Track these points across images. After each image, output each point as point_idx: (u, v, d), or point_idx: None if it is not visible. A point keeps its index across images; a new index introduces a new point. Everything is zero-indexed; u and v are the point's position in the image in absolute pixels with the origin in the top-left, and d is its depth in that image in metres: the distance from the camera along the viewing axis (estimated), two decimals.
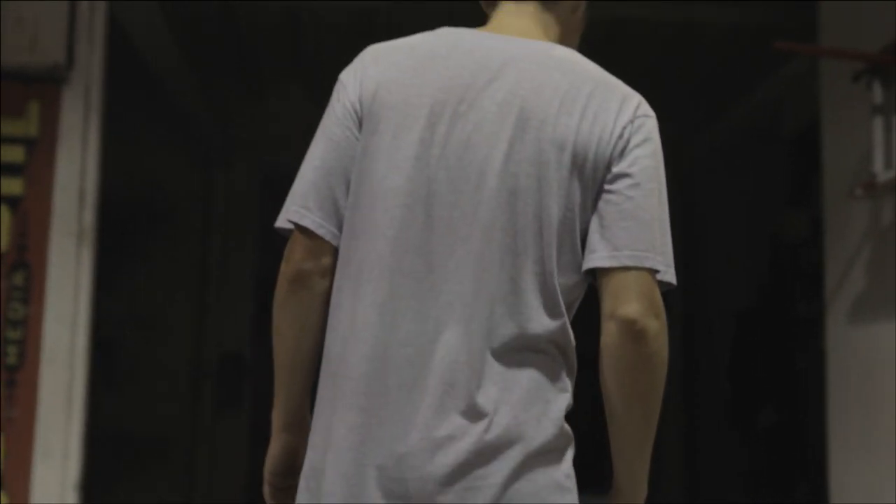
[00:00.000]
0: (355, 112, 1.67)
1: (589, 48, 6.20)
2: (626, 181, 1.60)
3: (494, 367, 1.51)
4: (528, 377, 1.54)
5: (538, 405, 1.53)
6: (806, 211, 7.04)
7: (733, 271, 8.48)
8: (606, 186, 1.59)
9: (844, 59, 4.06)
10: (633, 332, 1.53)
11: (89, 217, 4.17)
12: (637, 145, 1.64)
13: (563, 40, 1.81)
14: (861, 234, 4.45)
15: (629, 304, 1.54)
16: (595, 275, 1.61)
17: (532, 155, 1.56)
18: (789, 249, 7.47)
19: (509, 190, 1.56)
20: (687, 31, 7.36)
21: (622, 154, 1.62)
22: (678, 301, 9.02)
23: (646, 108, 1.70)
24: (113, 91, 7.59)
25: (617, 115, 1.64)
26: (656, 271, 1.60)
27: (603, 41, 7.50)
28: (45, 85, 4.06)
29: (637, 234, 1.58)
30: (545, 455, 1.51)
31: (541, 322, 1.54)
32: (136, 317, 8.35)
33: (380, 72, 1.67)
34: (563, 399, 1.58)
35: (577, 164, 1.58)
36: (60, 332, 4.03)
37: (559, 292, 1.57)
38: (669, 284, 1.63)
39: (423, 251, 1.54)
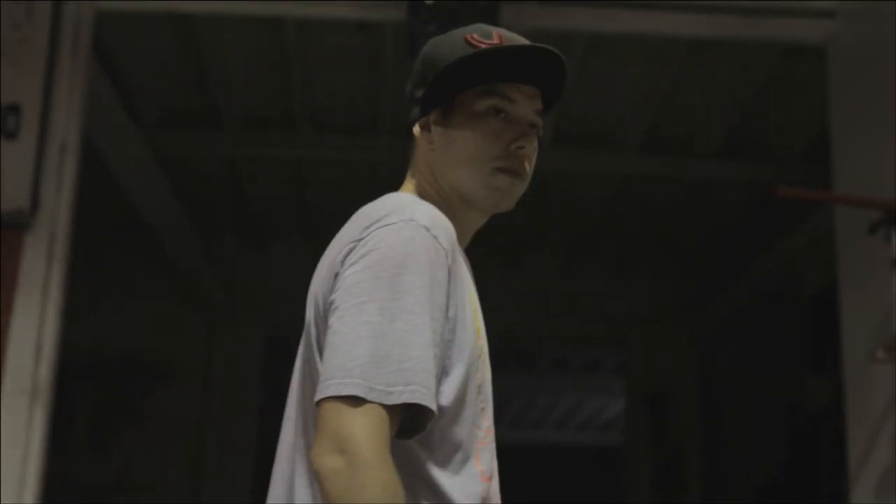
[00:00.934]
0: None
1: (603, 205, 5.87)
2: (332, 314, 1.41)
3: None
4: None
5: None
6: (828, 377, 6.68)
7: (754, 443, 8.09)
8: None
9: (856, 205, 3.77)
10: (316, 476, 1.34)
11: (45, 373, 3.86)
12: (350, 265, 1.43)
13: (416, 164, 1.64)
14: (885, 401, 4.13)
15: (313, 446, 1.36)
16: None
17: (308, 319, 1.52)
18: (811, 419, 7.10)
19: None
20: (700, 191, 7.20)
21: (335, 282, 1.44)
22: (696, 476, 8.62)
23: (391, 219, 1.45)
24: (110, 246, 7.52)
25: (345, 244, 1.46)
26: (347, 396, 1.35)
27: (611, 199, 7.36)
28: (7, 230, 3.83)
29: (327, 364, 1.39)
30: None
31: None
32: (130, 480, 8.01)
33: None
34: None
35: (308, 325, 1.51)
36: (8, 498, 3.68)
37: None
38: (421, 407, 1.37)
39: None
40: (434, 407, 1.38)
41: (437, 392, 1.41)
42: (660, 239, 8.08)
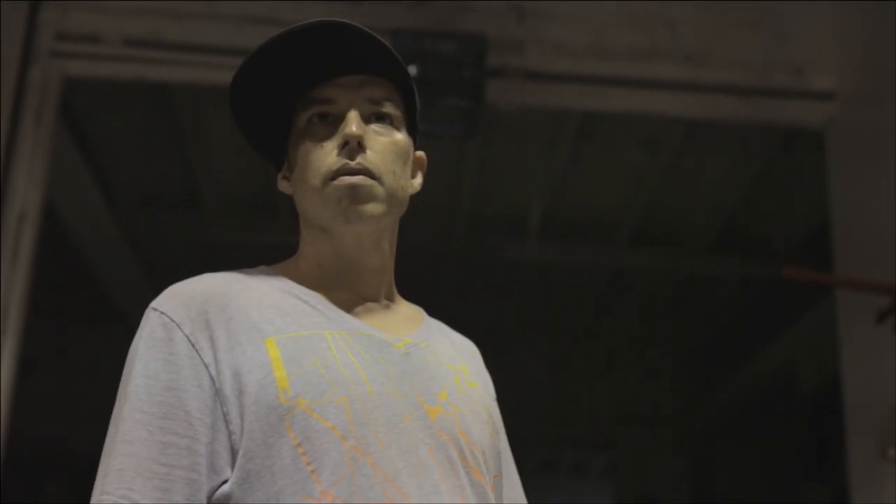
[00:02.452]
0: None
1: (592, 300, 5.64)
2: None
3: None
4: None
5: None
6: (828, 481, 6.43)
7: None
8: None
9: (865, 290, 3.56)
10: None
11: None
12: None
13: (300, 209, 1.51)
14: None
15: None
16: None
17: None
18: None
19: None
20: (693, 285, 7.03)
21: None
22: None
23: None
24: (78, 333, 7.25)
25: None
26: None
27: (606, 293, 7.17)
28: None
29: None
30: None
31: None
32: None
33: None
34: None
35: None
36: None
37: None
38: None
39: None
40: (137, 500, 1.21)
41: (211, 477, 1.23)
42: (651, 335, 7.88)
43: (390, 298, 1.51)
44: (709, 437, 8.63)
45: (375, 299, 1.46)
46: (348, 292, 1.43)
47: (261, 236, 6.45)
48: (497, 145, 5.32)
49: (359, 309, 1.42)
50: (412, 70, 3.82)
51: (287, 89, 1.41)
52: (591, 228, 6.42)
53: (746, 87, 4.33)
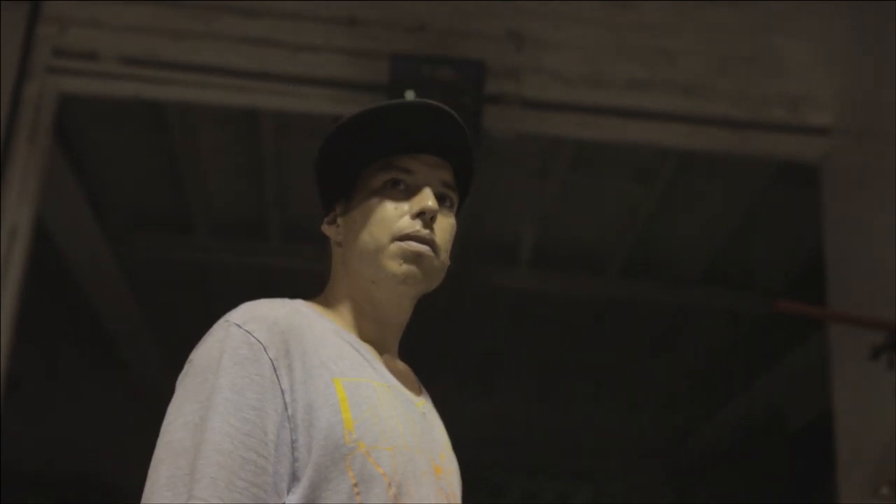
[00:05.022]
0: None
1: (581, 331, 5.62)
2: None
3: None
4: None
5: None
6: None
7: None
8: None
9: (859, 325, 3.54)
10: None
11: None
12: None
13: (333, 266, 1.58)
14: None
15: None
16: None
17: None
18: None
19: None
20: (683, 318, 7.01)
21: None
22: None
23: (193, 352, 1.40)
24: (65, 352, 7.19)
25: None
26: None
27: (595, 325, 7.15)
28: None
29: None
30: None
31: None
32: None
33: None
34: None
35: None
36: None
37: None
38: None
39: None
40: None
41: (273, 498, 1.28)
42: (639, 368, 7.85)
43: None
44: (694, 473, 8.59)
45: (393, 353, 1.56)
46: (378, 343, 1.52)
47: (251, 258, 6.43)
48: (490, 173, 5.32)
49: (387, 361, 1.52)
50: (409, 95, 3.82)
51: (369, 150, 1.51)
52: (581, 258, 6.41)
53: (742, 121, 4.34)
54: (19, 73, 3.93)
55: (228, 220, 6.09)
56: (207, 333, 1.39)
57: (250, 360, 1.32)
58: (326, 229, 1.56)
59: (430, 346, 7.48)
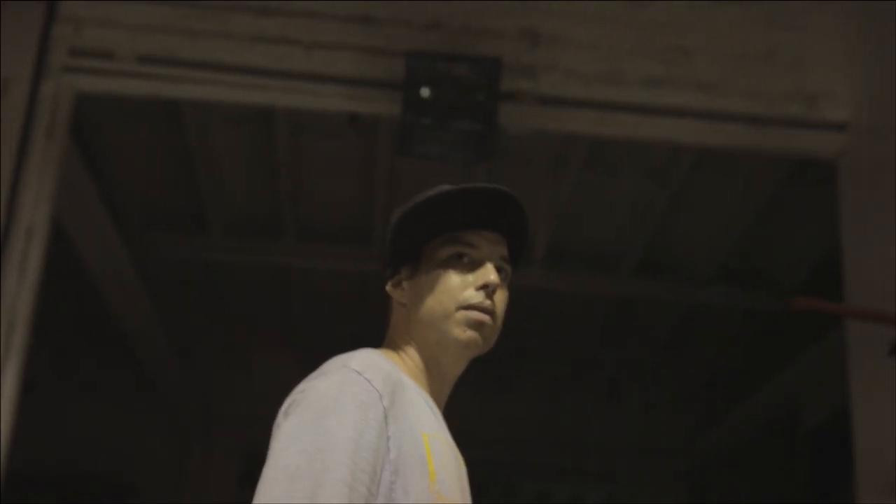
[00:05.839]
0: None
1: (595, 330, 5.59)
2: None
3: None
4: None
5: None
6: None
7: None
8: None
9: (878, 322, 3.53)
10: None
11: None
12: (285, 417, 1.47)
13: (393, 323, 1.71)
14: None
15: None
16: None
17: None
18: None
19: None
20: (697, 317, 6.99)
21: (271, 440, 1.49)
22: None
23: (316, 373, 1.52)
24: (79, 351, 7.20)
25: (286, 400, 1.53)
26: None
27: (610, 323, 7.14)
28: None
29: None
30: None
31: None
32: None
33: None
34: None
35: None
36: None
37: None
38: None
39: None
40: None
41: None
42: (653, 366, 7.83)
43: None
44: (709, 471, 8.56)
45: (442, 408, 1.69)
46: (437, 397, 1.66)
47: (265, 257, 6.43)
48: (504, 171, 5.31)
49: (441, 417, 1.65)
50: (425, 93, 3.82)
51: (437, 224, 1.67)
52: (596, 257, 6.40)
53: (758, 117, 4.32)
54: (36, 73, 3.94)
55: (243, 218, 6.10)
56: (322, 373, 1.50)
57: (369, 406, 1.44)
58: (392, 290, 1.69)
59: None
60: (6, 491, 3.84)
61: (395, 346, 1.67)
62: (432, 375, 1.65)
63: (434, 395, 1.65)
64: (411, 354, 1.66)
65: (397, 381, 1.51)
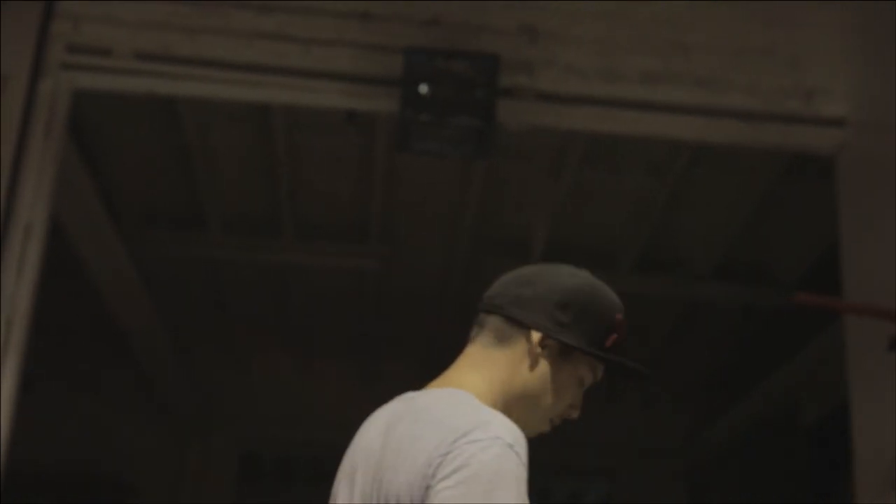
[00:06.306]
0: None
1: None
2: None
3: None
4: None
5: None
6: None
7: None
8: None
9: (880, 317, 3.53)
10: None
11: None
12: (443, 478, 1.54)
13: (513, 379, 1.76)
14: None
15: None
16: None
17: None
18: None
19: None
20: (695, 313, 6.99)
21: (427, 492, 1.55)
22: None
23: (477, 434, 1.57)
24: (78, 349, 7.19)
25: (432, 452, 1.57)
26: None
27: None
28: None
29: None
30: None
31: None
32: None
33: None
34: None
35: None
36: None
37: None
38: None
39: None
40: None
41: None
42: (652, 363, 7.82)
43: None
44: (708, 468, 8.55)
45: None
46: None
47: (263, 255, 6.43)
48: (503, 168, 5.31)
49: None
50: (423, 89, 3.82)
51: (607, 353, 1.78)
52: (594, 253, 6.39)
53: (757, 113, 4.32)
54: (34, 70, 3.94)
55: (242, 216, 6.10)
56: (476, 441, 1.55)
57: (523, 480, 1.56)
58: (538, 342, 1.73)
59: (442, 340, 7.46)
60: (5, 490, 3.83)
61: (491, 392, 1.73)
62: None
63: None
64: (498, 401, 1.73)
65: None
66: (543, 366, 1.73)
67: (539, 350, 1.72)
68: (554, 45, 4.25)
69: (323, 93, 4.22)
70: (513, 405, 1.73)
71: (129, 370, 7.15)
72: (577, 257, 6.83)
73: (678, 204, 5.68)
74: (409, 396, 1.73)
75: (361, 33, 4.17)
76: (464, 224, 5.91)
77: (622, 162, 5.38)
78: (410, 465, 1.58)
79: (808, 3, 4.42)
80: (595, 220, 6.01)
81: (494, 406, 1.69)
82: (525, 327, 1.72)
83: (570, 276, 1.79)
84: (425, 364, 8.55)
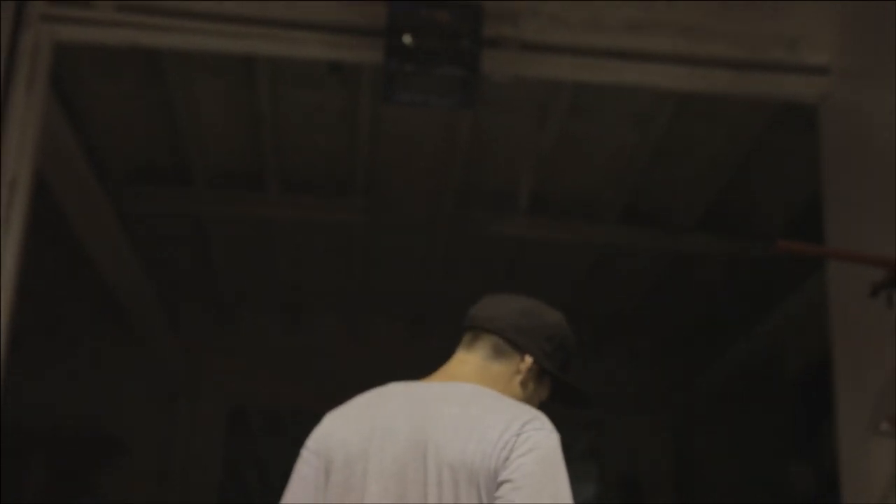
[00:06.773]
0: (317, 456, 2.01)
1: (579, 278, 5.58)
2: (508, 486, 1.83)
3: None
4: None
5: None
6: (815, 461, 6.43)
7: None
8: (496, 494, 1.85)
9: (861, 263, 3.56)
10: None
11: None
12: (521, 455, 1.85)
13: (507, 389, 2.06)
14: (885, 479, 3.86)
15: None
16: None
17: (433, 476, 1.89)
18: None
19: None
20: (679, 265, 7.02)
21: (505, 463, 1.85)
22: None
23: (537, 424, 1.91)
24: (66, 307, 7.18)
25: (503, 431, 1.87)
26: None
27: (593, 272, 7.16)
28: None
29: None
30: None
31: None
32: None
33: (331, 424, 2.04)
34: None
35: (471, 479, 1.86)
36: None
37: None
38: None
39: None
40: None
41: None
42: (636, 315, 7.87)
43: None
44: (693, 418, 8.63)
45: None
46: None
47: (249, 209, 6.42)
48: (488, 119, 5.30)
49: None
50: (407, 39, 3.80)
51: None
52: (579, 205, 6.40)
53: (741, 61, 4.32)
54: (15, 23, 3.90)
55: (226, 171, 6.08)
56: (544, 432, 1.87)
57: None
58: (530, 366, 2.05)
59: (428, 294, 7.49)
60: None
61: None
62: None
63: None
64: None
65: None
66: (527, 383, 2.07)
67: (527, 370, 2.05)
68: None
69: (307, 44, 4.20)
70: (533, 394, 2.07)
71: (116, 327, 7.15)
72: (563, 210, 6.85)
73: (662, 155, 5.68)
74: (421, 385, 2.02)
75: None
76: (449, 176, 5.91)
77: (607, 113, 5.37)
78: (480, 437, 1.86)
79: None
80: (580, 172, 6.01)
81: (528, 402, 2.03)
82: (521, 350, 2.05)
83: (553, 314, 2.13)
84: (411, 317, 8.58)
